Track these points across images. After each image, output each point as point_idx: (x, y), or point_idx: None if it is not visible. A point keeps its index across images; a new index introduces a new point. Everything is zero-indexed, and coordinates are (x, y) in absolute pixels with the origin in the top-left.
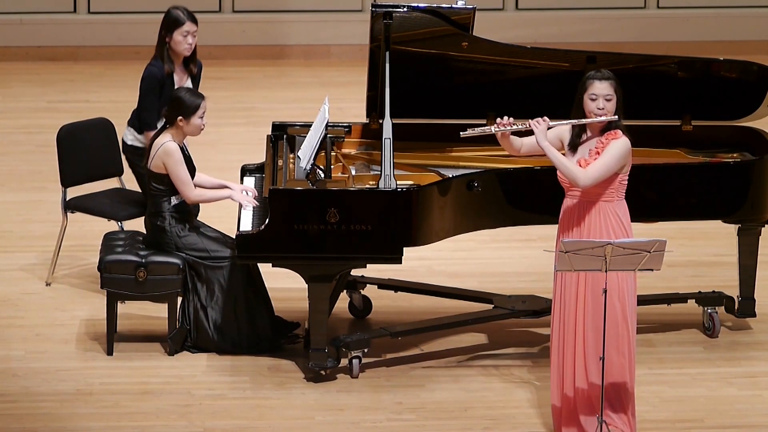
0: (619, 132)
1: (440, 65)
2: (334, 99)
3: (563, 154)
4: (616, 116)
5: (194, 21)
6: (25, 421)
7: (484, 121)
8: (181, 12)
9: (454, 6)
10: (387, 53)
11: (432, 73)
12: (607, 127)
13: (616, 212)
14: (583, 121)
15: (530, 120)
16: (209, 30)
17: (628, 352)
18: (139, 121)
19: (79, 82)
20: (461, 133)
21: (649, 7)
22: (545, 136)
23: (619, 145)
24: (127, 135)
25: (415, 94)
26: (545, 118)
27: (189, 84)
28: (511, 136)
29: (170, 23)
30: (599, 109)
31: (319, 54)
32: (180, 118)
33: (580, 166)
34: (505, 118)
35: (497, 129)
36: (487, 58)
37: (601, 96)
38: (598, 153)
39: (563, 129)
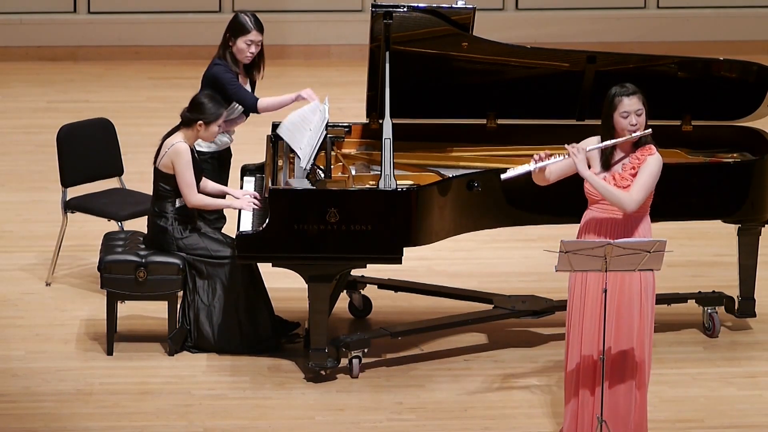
0: (653, 147)
1: (440, 65)
2: (334, 99)
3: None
4: (650, 130)
5: (261, 30)
6: (25, 421)
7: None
8: (249, 19)
9: (454, 6)
10: (387, 53)
11: (432, 73)
12: (639, 142)
13: (642, 229)
14: (619, 140)
15: (568, 147)
16: (209, 30)
17: (649, 358)
18: (244, 107)
19: (79, 82)
20: (502, 176)
21: (649, 7)
22: (586, 165)
23: (655, 161)
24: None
25: (415, 94)
26: (582, 146)
27: (248, 89)
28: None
29: (236, 29)
30: (632, 125)
31: (319, 54)
32: (200, 122)
33: (615, 180)
34: (542, 153)
35: (536, 165)
36: (487, 58)
37: (632, 112)
38: (633, 169)
39: (591, 149)
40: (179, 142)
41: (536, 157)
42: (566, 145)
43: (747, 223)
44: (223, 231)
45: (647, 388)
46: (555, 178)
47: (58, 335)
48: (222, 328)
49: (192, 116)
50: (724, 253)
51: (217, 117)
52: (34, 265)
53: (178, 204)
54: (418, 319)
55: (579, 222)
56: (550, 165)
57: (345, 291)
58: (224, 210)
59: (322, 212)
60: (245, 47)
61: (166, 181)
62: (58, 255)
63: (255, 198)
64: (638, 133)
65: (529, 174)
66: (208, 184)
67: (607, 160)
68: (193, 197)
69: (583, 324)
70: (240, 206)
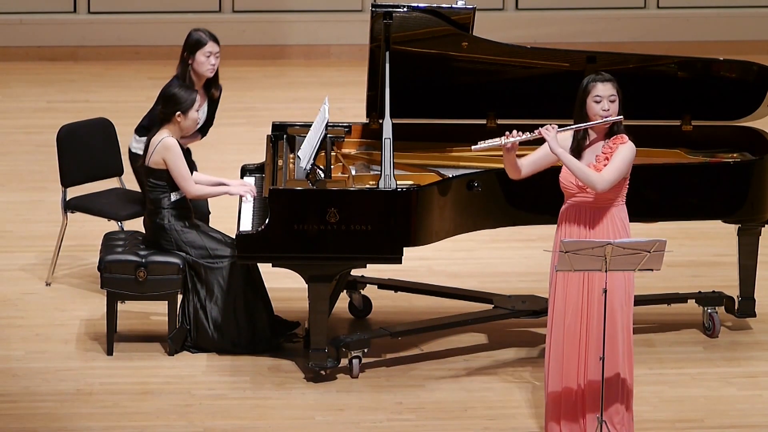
0: (625, 137)
1: (440, 65)
2: (334, 99)
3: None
4: (621, 116)
5: (216, 42)
6: (25, 421)
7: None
8: (203, 33)
9: (454, 6)
10: (387, 53)
11: (432, 73)
12: (611, 131)
13: (620, 216)
14: (591, 123)
15: (539, 128)
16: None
17: (628, 352)
18: (146, 128)
19: (79, 82)
20: (473, 147)
21: (649, 7)
22: (557, 143)
23: (628, 148)
24: (132, 143)
25: (415, 94)
26: (553, 125)
27: (205, 109)
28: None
29: (192, 45)
30: (604, 110)
31: (319, 54)
32: (178, 113)
33: None
34: (514, 131)
35: (507, 140)
36: (487, 58)
37: (605, 97)
38: (606, 158)
39: (564, 134)
40: (166, 137)
41: (508, 133)
42: (540, 128)
43: (747, 223)
44: (223, 231)
45: (632, 392)
46: (529, 171)
47: (58, 335)
48: (221, 328)
49: (169, 110)
50: (724, 253)
51: (192, 102)
52: (34, 265)
53: (173, 198)
54: (418, 319)
55: None
56: (524, 161)
57: (345, 291)
58: (222, 207)
59: (322, 212)
60: (205, 59)
61: (157, 177)
62: (58, 255)
63: (247, 186)
64: (611, 119)
65: (500, 148)
66: (200, 176)
67: (578, 147)
68: (192, 188)
69: (564, 327)
70: (237, 192)
